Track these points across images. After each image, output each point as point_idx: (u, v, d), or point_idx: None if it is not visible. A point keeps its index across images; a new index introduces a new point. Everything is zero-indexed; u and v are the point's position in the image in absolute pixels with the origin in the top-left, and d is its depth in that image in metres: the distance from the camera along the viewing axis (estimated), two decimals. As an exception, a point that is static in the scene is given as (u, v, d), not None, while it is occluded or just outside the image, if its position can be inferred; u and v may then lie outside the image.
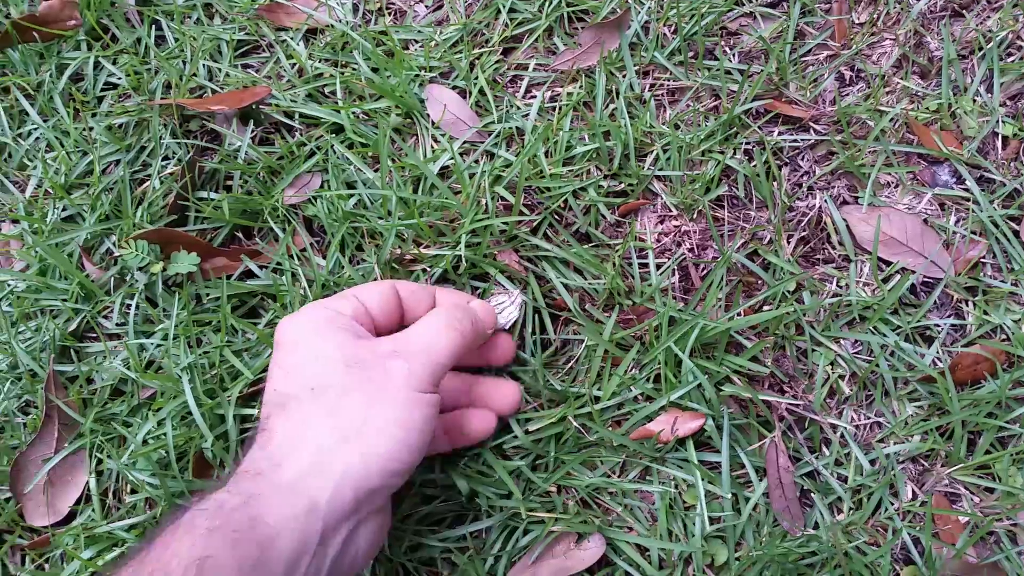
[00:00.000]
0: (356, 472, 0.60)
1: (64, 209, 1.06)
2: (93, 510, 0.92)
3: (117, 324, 0.99)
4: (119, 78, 1.12)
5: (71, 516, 0.93)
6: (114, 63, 1.14)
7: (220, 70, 1.11)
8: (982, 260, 0.93)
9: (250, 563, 0.54)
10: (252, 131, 1.05)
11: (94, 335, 0.99)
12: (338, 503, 0.59)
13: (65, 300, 0.99)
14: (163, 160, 1.06)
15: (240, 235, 1.03)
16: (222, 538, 0.54)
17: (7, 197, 1.09)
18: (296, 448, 0.61)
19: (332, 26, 1.11)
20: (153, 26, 1.16)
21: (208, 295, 0.98)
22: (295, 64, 1.11)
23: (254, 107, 1.06)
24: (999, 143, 0.98)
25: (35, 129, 1.11)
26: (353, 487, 0.60)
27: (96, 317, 0.99)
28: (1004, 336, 0.90)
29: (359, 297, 0.72)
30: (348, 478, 0.60)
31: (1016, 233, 0.93)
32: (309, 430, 0.62)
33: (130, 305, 0.98)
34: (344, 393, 0.64)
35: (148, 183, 1.04)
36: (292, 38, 1.12)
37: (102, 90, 1.14)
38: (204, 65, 1.11)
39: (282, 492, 0.59)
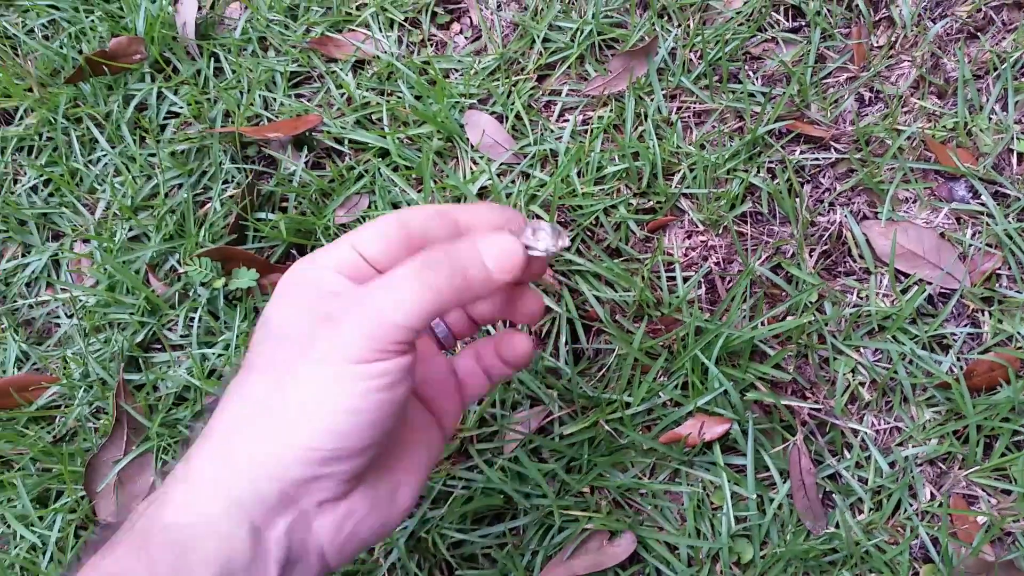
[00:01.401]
0: (269, 462, 0.49)
1: (131, 229, 1.14)
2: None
3: (181, 336, 1.06)
4: (181, 107, 1.21)
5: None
6: (176, 93, 1.22)
7: (275, 100, 1.19)
8: (997, 272, 0.97)
9: (165, 569, 0.48)
10: (305, 156, 1.13)
11: (160, 346, 1.07)
12: (260, 496, 0.49)
13: (132, 314, 1.07)
14: (223, 183, 1.14)
15: (295, 252, 1.11)
16: (127, 549, 0.49)
17: (79, 218, 1.17)
18: (207, 438, 0.52)
19: (378, 57, 1.19)
20: (212, 59, 1.24)
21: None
22: (344, 93, 1.18)
23: (307, 134, 1.14)
24: (1014, 159, 1.02)
25: (104, 155, 1.20)
26: (272, 478, 0.49)
27: (161, 329, 1.07)
28: (1019, 344, 0.94)
29: (352, 242, 0.55)
30: (262, 468, 0.49)
31: (1031, 245, 0.97)
32: (224, 423, 0.52)
33: (193, 318, 1.06)
34: (264, 371, 0.52)
35: (209, 205, 1.13)
36: (341, 69, 1.20)
37: (165, 119, 1.22)
38: (260, 95, 1.19)
39: (193, 488, 0.51)
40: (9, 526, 0.99)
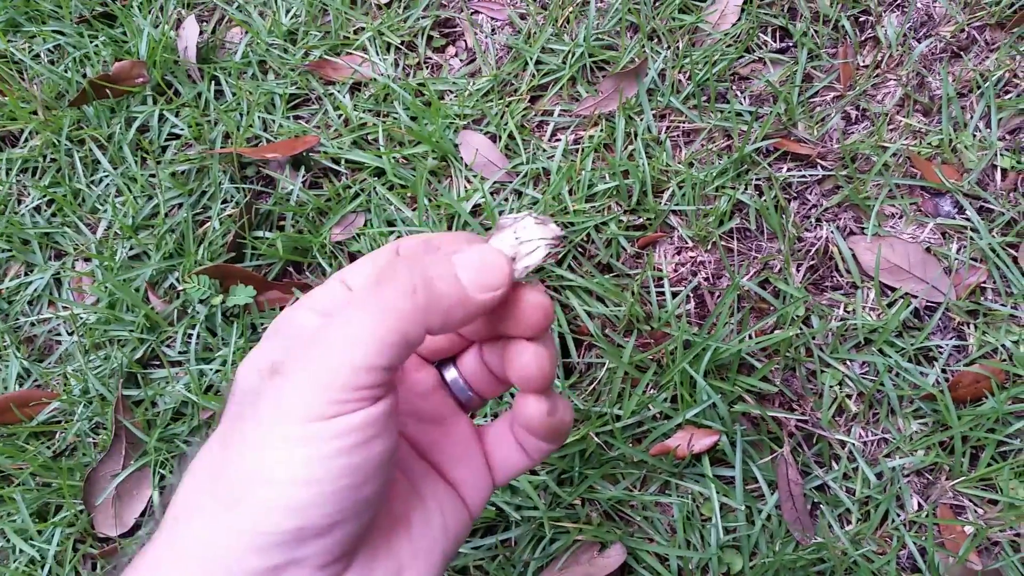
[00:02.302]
0: (221, 553, 0.39)
1: (132, 248, 1.16)
2: (156, 521, 1.00)
3: (179, 352, 1.08)
4: (182, 129, 1.23)
5: (136, 527, 1.01)
6: (177, 115, 1.25)
7: (274, 121, 1.21)
8: (982, 285, 0.98)
9: None
10: (303, 176, 1.16)
11: (158, 362, 1.09)
12: None
13: (132, 331, 1.09)
14: (222, 203, 1.16)
15: (292, 270, 1.13)
16: None
17: (81, 238, 1.19)
18: (162, 524, 0.43)
19: (375, 79, 1.21)
20: (212, 82, 1.27)
21: (263, 324, 1.07)
22: (341, 115, 1.21)
23: (305, 154, 1.16)
24: (998, 175, 1.03)
25: (106, 176, 1.22)
26: (223, 569, 0.39)
27: (160, 346, 1.09)
28: (1004, 356, 0.95)
29: (344, 279, 0.46)
30: (215, 560, 0.39)
31: (1015, 259, 0.99)
32: (178, 496, 0.43)
33: (191, 335, 1.07)
34: (217, 437, 0.43)
35: (208, 224, 1.15)
36: (339, 91, 1.22)
37: (166, 140, 1.25)
38: (259, 117, 1.22)
39: None
40: (8, 540, 1.01)
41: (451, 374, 0.52)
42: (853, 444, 0.94)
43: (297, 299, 0.45)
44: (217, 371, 1.05)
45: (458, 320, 0.42)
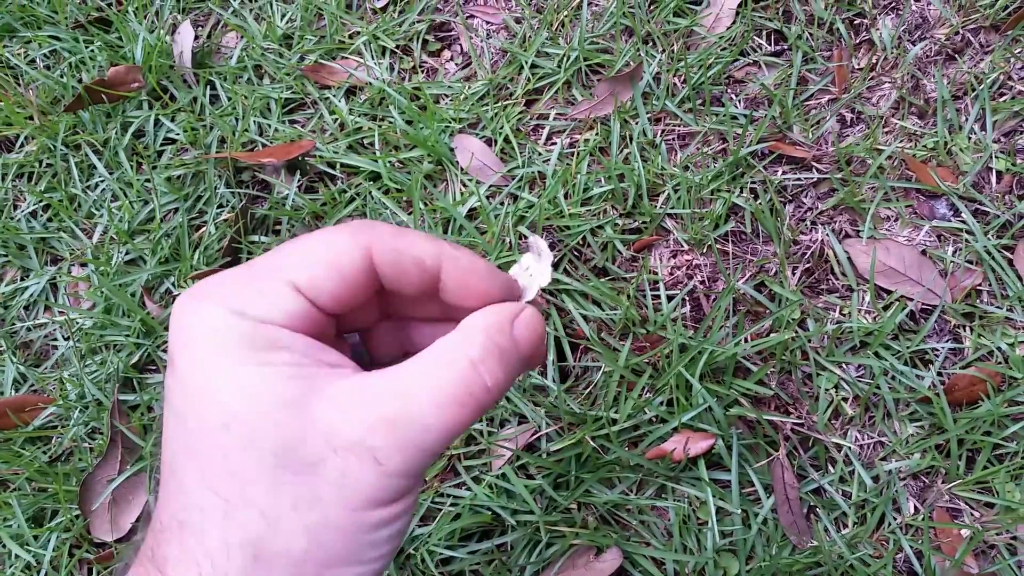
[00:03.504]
0: None
1: (127, 253, 1.16)
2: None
3: (175, 357, 1.08)
4: (177, 134, 1.23)
5: (132, 532, 1.01)
6: (172, 120, 1.25)
7: (269, 126, 1.21)
8: (978, 288, 0.98)
9: None
10: (298, 180, 1.16)
11: (154, 367, 1.09)
12: None
13: (128, 335, 1.09)
14: (218, 208, 1.16)
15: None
16: None
17: (77, 243, 1.19)
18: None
19: (370, 84, 1.21)
20: (208, 86, 1.27)
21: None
22: (337, 119, 1.21)
23: (300, 159, 1.16)
24: (993, 177, 1.03)
25: (102, 181, 1.22)
26: None
27: (156, 351, 1.09)
28: (1000, 359, 0.95)
29: (298, 282, 0.38)
30: None
31: (1010, 262, 0.99)
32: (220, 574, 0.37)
33: (187, 339, 1.07)
34: (275, 516, 0.36)
35: (204, 229, 1.15)
36: (334, 95, 1.22)
37: (162, 145, 1.25)
38: (255, 121, 1.22)
39: None
40: (4, 545, 1.00)
41: (353, 338, 0.49)
42: (849, 447, 0.94)
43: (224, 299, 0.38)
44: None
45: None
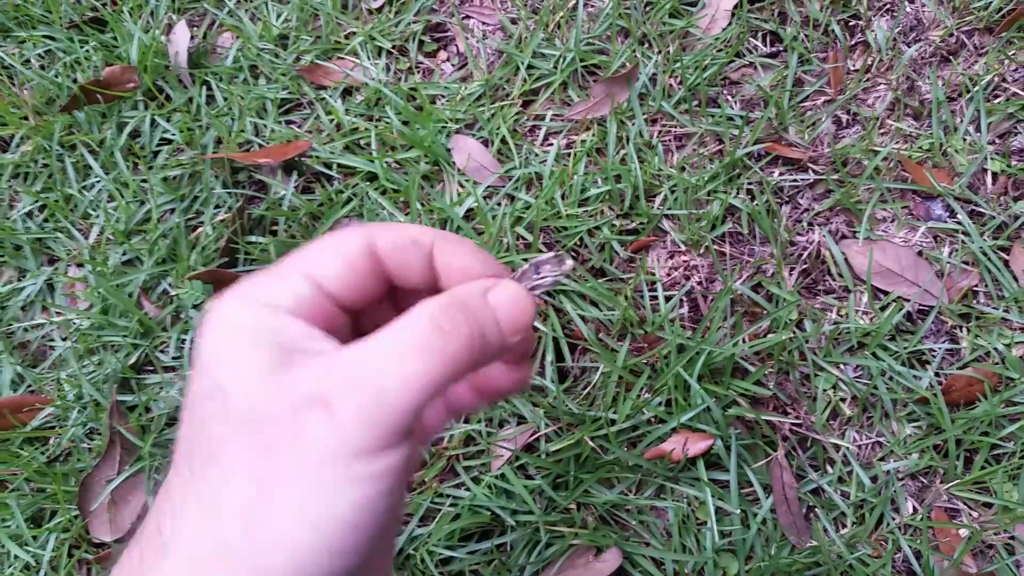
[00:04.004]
0: None
1: (124, 253, 1.16)
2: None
3: (173, 357, 1.08)
4: (173, 134, 1.23)
5: (131, 532, 1.01)
6: (168, 121, 1.24)
7: (265, 126, 1.21)
8: (974, 289, 0.99)
9: None
10: (295, 181, 1.16)
11: (152, 368, 1.09)
12: None
13: (126, 336, 1.09)
14: (214, 208, 1.16)
15: (284, 275, 1.12)
16: None
17: (73, 243, 1.19)
18: (163, 557, 0.39)
19: (367, 84, 1.21)
20: (204, 87, 1.27)
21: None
22: (333, 119, 1.21)
23: (297, 159, 1.16)
24: (988, 179, 1.04)
25: (98, 181, 1.22)
26: None
27: (154, 351, 1.08)
28: (997, 359, 0.96)
29: (311, 272, 0.42)
30: None
31: (1006, 263, 0.99)
32: (182, 530, 0.39)
33: (185, 340, 1.07)
34: (232, 470, 0.39)
35: (201, 229, 1.14)
36: (330, 96, 1.22)
37: (158, 145, 1.24)
38: (251, 122, 1.21)
39: None
40: (3, 546, 1.00)
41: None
42: (847, 448, 0.94)
43: (243, 287, 0.42)
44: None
45: (491, 360, 0.43)
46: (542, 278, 0.47)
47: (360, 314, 0.45)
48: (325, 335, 0.40)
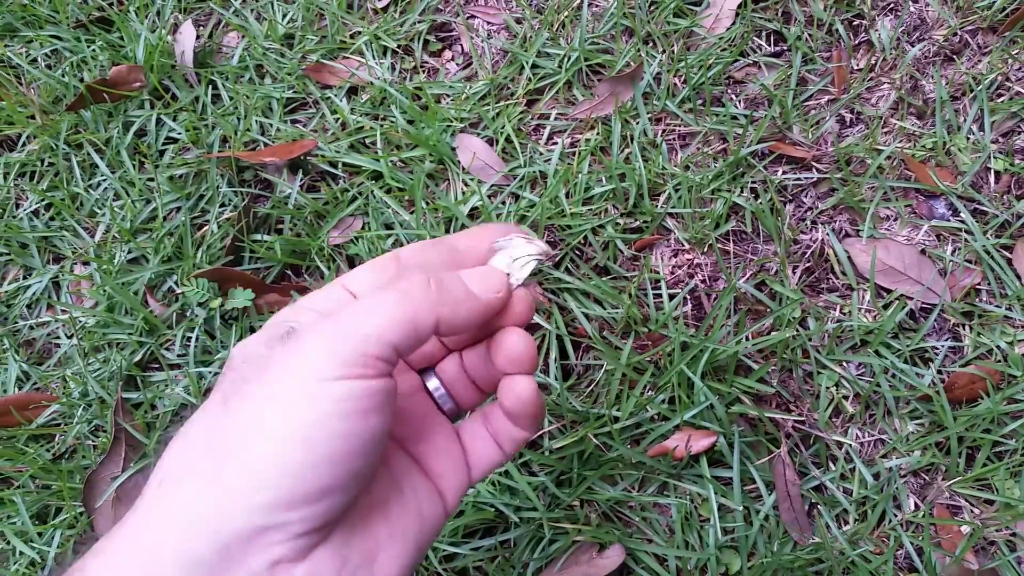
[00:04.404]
0: (204, 513, 0.39)
1: (130, 252, 1.16)
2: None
3: (178, 355, 1.08)
4: (179, 133, 1.24)
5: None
6: (174, 120, 1.25)
7: (271, 125, 1.22)
8: (977, 287, 0.99)
9: None
10: (300, 180, 1.16)
11: (157, 365, 1.09)
12: (191, 559, 0.38)
13: (131, 334, 1.09)
14: (220, 207, 1.16)
15: (290, 273, 1.13)
16: None
17: (79, 241, 1.20)
18: (148, 489, 0.42)
19: (372, 83, 1.22)
20: (210, 86, 1.27)
21: (261, 327, 1.07)
22: (339, 118, 1.21)
23: (302, 158, 1.17)
24: (991, 177, 1.04)
25: (104, 180, 1.22)
26: (209, 533, 0.38)
27: (159, 349, 1.09)
28: (999, 357, 0.96)
29: (346, 284, 0.48)
30: (196, 523, 0.38)
31: (1009, 261, 0.99)
32: (160, 466, 0.43)
33: (190, 337, 1.08)
34: (222, 400, 0.43)
35: (207, 227, 1.15)
36: (336, 95, 1.23)
37: (164, 144, 1.25)
38: (256, 121, 1.22)
39: (116, 558, 0.40)
40: (9, 542, 1.01)
41: (433, 383, 0.55)
42: (850, 445, 0.94)
43: (296, 301, 0.49)
44: (216, 374, 1.05)
45: (464, 317, 0.46)
46: (524, 265, 0.52)
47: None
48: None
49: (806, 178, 1.07)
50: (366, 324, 0.41)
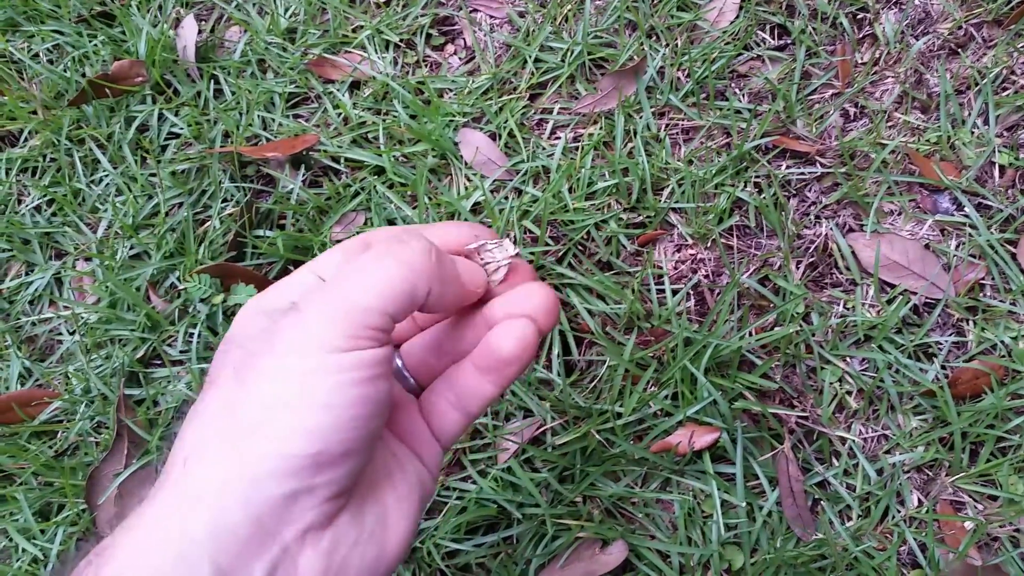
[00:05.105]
0: (234, 484, 0.40)
1: (132, 248, 1.16)
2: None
3: (181, 351, 1.08)
4: (181, 128, 1.23)
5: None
6: (176, 115, 1.25)
7: (273, 120, 1.21)
8: (981, 282, 0.99)
9: None
10: (303, 175, 1.16)
11: (160, 361, 1.09)
12: (226, 530, 0.39)
13: (133, 330, 1.09)
14: (222, 202, 1.16)
15: (293, 268, 1.12)
16: None
17: (81, 237, 1.20)
18: (163, 477, 0.43)
19: (374, 78, 1.21)
20: (212, 81, 1.27)
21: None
22: (341, 113, 1.21)
23: (304, 153, 1.17)
24: (996, 172, 1.04)
25: (106, 176, 1.22)
26: (241, 504, 0.39)
27: (161, 345, 1.09)
28: (1003, 352, 0.95)
29: (315, 270, 0.50)
30: (227, 494, 0.40)
31: (1013, 256, 0.99)
32: (181, 444, 0.44)
33: (192, 334, 1.08)
34: (223, 380, 0.45)
35: (209, 223, 1.15)
36: (338, 90, 1.22)
37: (166, 139, 1.25)
38: (259, 116, 1.22)
39: (141, 536, 0.40)
40: (11, 539, 1.01)
41: (396, 362, 0.56)
42: (853, 440, 0.94)
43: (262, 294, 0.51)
44: (218, 370, 1.05)
45: (449, 298, 0.47)
46: (496, 269, 0.53)
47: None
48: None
49: (810, 172, 1.07)
50: (366, 295, 0.43)
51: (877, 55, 1.13)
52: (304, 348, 0.42)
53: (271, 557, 0.40)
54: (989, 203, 1.02)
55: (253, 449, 0.40)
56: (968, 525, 0.89)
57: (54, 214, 1.22)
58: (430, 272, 0.45)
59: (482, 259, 0.53)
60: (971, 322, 0.98)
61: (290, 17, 1.30)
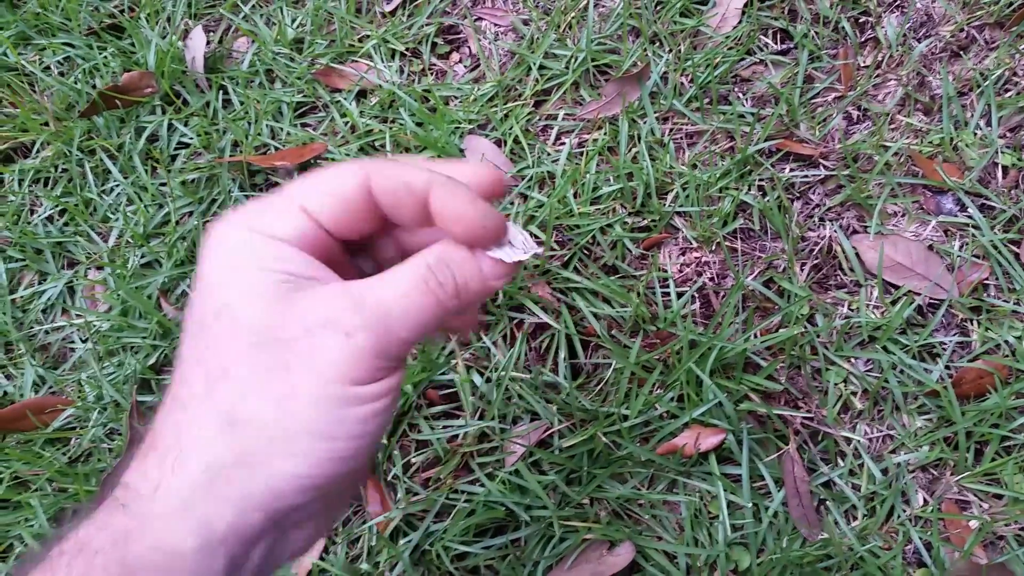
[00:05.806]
0: (261, 496, 0.42)
1: (143, 256, 1.18)
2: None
3: (192, 358, 1.09)
4: (191, 138, 1.25)
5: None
6: (186, 125, 1.26)
7: (282, 129, 1.23)
8: (985, 282, 0.99)
9: None
10: (310, 182, 1.17)
11: (171, 368, 1.10)
12: (244, 529, 0.42)
13: (145, 337, 1.11)
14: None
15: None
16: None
17: (93, 247, 1.21)
18: (182, 464, 0.43)
19: (381, 87, 1.23)
20: (220, 91, 1.29)
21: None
22: (348, 122, 1.22)
23: (313, 161, 1.18)
24: (999, 173, 1.04)
25: (117, 186, 1.24)
26: (262, 509, 0.42)
27: (173, 352, 1.10)
28: (1007, 352, 0.96)
29: (307, 205, 0.45)
30: (252, 502, 0.42)
31: (1016, 256, 1.00)
32: (200, 440, 0.43)
33: (203, 340, 1.09)
34: (248, 386, 0.43)
35: (218, 231, 1.16)
36: (345, 99, 1.24)
37: (176, 149, 1.26)
38: (267, 125, 1.23)
39: (164, 525, 0.42)
40: (27, 544, 1.02)
41: (368, 266, 0.54)
42: (858, 441, 0.95)
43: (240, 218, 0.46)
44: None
45: (463, 303, 0.47)
46: (515, 251, 0.49)
47: (360, 246, 0.50)
48: (324, 266, 0.45)
49: (813, 175, 1.08)
50: (403, 327, 0.43)
51: (879, 58, 1.13)
52: (342, 375, 0.42)
53: (268, 544, 0.44)
54: (992, 204, 1.03)
55: (286, 467, 0.42)
56: (973, 524, 0.90)
57: (66, 224, 1.24)
58: (454, 301, 0.45)
59: (511, 243, 0.50)
60: (975, 322, 0.98)
61: (297, 27, 1.32)
